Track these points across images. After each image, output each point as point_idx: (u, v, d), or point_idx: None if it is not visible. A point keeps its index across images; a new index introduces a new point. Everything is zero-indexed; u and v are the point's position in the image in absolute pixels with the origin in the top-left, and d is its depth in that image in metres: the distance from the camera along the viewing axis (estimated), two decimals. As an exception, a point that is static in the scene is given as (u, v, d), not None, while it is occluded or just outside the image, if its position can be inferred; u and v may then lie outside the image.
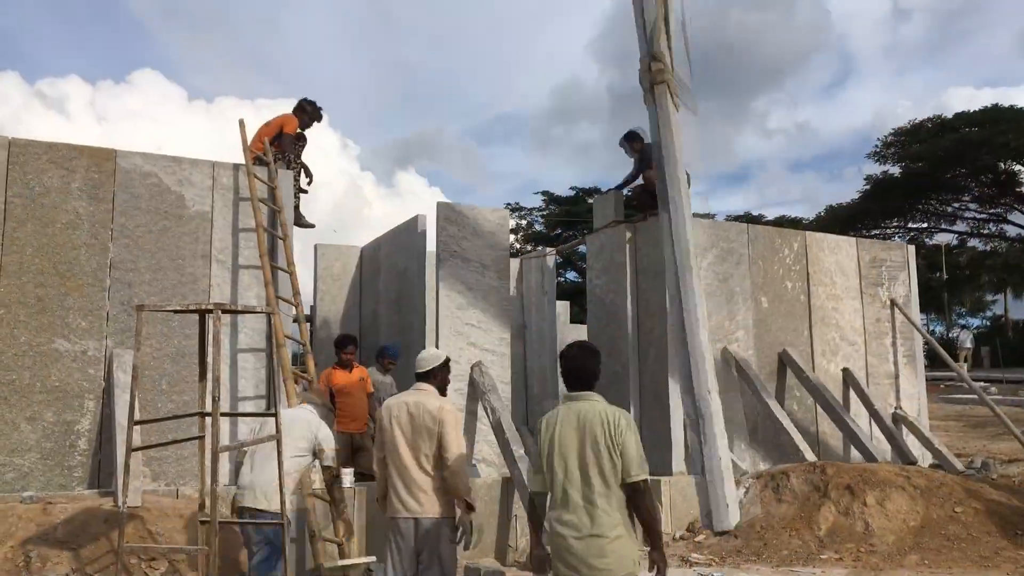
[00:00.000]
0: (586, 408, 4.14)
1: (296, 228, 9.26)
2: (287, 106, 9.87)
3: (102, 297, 7.73)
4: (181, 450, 7.70)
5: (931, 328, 52.35)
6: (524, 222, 54.00)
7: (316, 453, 5.63)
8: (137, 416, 6.62)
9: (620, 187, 11.21)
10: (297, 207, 9.34)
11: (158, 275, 8.01)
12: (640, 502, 4.03)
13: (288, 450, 5.28)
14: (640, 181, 11.07)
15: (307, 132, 9.75)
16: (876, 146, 40.24)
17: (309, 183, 10.01)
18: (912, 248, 12.57)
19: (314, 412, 5.84)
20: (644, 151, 10.82)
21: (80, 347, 7.58)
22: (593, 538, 3.96)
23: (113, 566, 5.76)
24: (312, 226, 9.75)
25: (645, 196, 10.96)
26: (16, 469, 7.21)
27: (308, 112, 9.61)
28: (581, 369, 4.28)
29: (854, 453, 10.53)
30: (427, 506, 4.81)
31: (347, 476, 7.08)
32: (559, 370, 4.45)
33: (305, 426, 5.60)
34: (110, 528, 6.14)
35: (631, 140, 11.08)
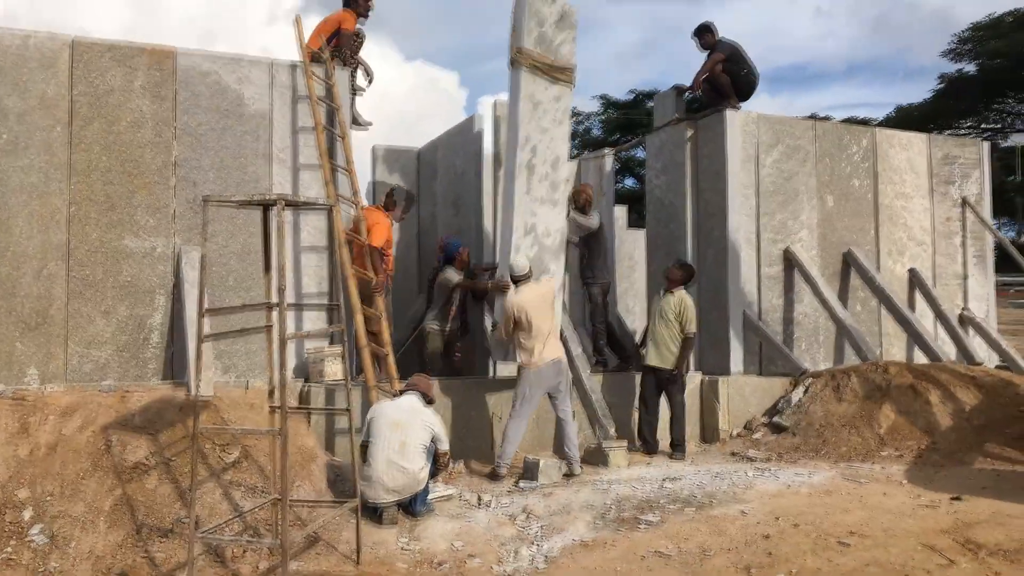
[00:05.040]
0: (674, 296, 8.70)
1: (355, 129, 9.27)
2: None
3: (168, 195, 7.87)
4: (249, 344, 7.93)
5: (1004, 233, 50.74)
6: (581, 127, 53.22)
7: (434, 441, 6.34)
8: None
9: (692, 88, 10.80)
10: (353, 106, 9.28)
11: (221, 174, 8.11)
12: (688, 343, 8.60)
13: (413, 440, 6.16)
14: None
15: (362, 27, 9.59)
16: (951, 43, 38.40)
17: (369, 82, 9.89)
18: (987, 145, 12.05)
19: (420, 400, 6.52)
20: (715, 46, 10.45)
21: (149, 244, 7.76)
22: (664, 348, 8.56)
23: (188, 450, 6.03)
24: (369, 124, 9.71)
25: (710, 93, 10.65)
26: (93, 361, 7.51)
27: (360, 3, 9.40)
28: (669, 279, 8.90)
29: (918, 354, 10.38)
30: None
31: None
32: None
33: (423, 418, 6.36)
34: (184, 416, 6.39)
35: (702, 33, 10.68)
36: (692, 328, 8.60)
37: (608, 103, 50.21)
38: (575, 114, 53.09)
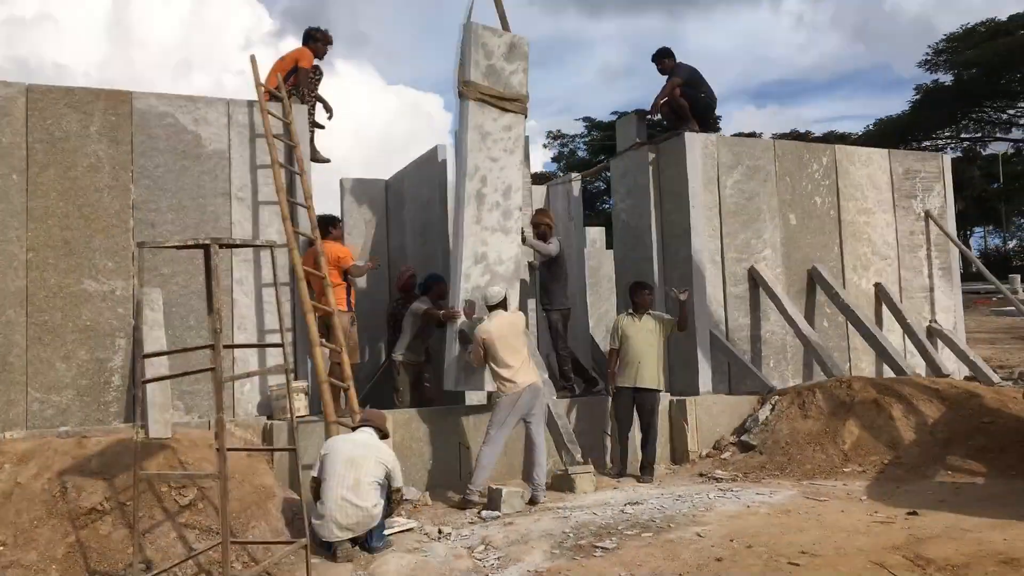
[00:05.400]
0: (649, 316, 8.82)
1: (315, 164, 9.34)
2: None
3: (127, 238, 7.92)
4: (212, 384, 7.93)
5: (990, 240, 51.11)
6: (567, 149, 53.55)
7: (388, 477, 6.29)
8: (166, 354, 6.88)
9: (652, 111, 10.89)
10: (312, 142, 9.35)
11: (180, 215, 8.17)
12: (683, 312, 8.78)
13: (366, 476, 6.11)
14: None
15: (321, 62, 9.68)
16: (927, 54, 38.87)
17: (330, 117, 10.01)
18: (948, 158, 12.19)
19: (374, 435, 6.49)
20: (674, 70, 10.58)
21: (108, 287, 7.80)
22: (655, 368, 8.61)
23: (146, 493, 6.04)
24: (327, 160, 9.78)
25: (670, 116, 10.77)
26: (54, 406, 7.53)
27: (319, 40, 9.52)
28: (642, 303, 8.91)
29: (886, 369, 10.43)
30: None
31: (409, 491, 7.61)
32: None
33: (377, 454, 6.30)
34: (142, 458, 6.37)
35: (661, 57, 10.81)
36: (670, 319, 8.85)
37: (593, 124, 50.62)
38: (560, 136, 53.60)
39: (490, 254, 8.59)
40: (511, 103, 8.67)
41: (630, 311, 8.93)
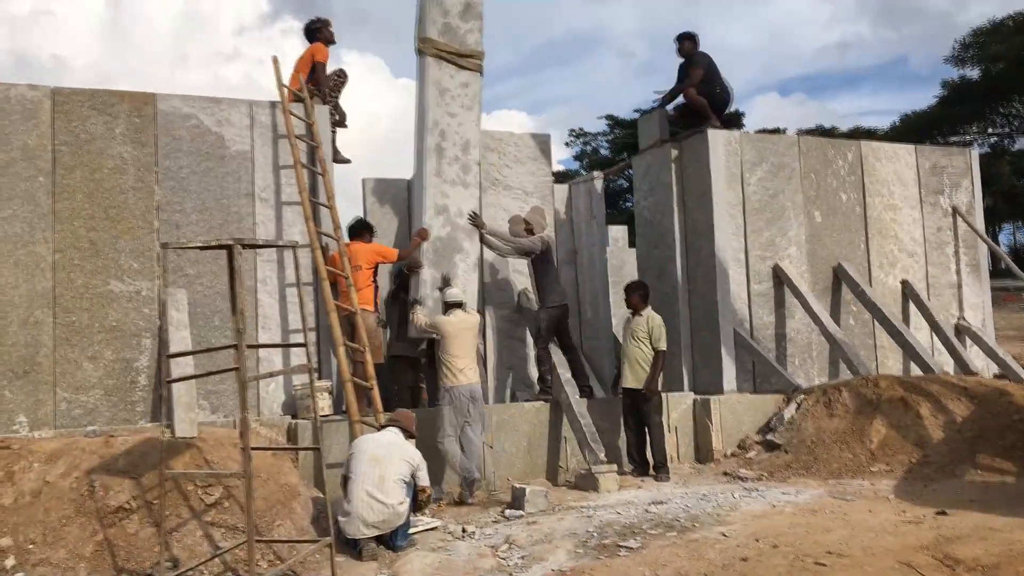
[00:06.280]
0: (642, 316, 8.74)
1: (335, 164, 9.36)
2: None
3: (152, 239, 7.99)
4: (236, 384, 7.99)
5: (1019, 236, 50.42)
6: (589, 148, 53.39)
7: (414, 476, 6.41)
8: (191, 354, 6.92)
9: (663, 104, 10.86)
10: (333, 142, 9.36)
11: (204, 215, 8.22)
12: (658, 359, 8.56)
13: (391, 474, 6.20)
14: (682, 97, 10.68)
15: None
16: (953, 49, 38.38)
17: (342, 126, 9.92)
18: (975, 153, 12.03)
19: (399, 435, 6.59)
20: (693, 58, 10.47)
21: (134, 288, 7.87)
22: (639, 368, 8.54)
23: (172, 492, 6.09)
24: (348, 161, 9.80)
25: (688, 114, 10.70)
26: (82, 406, 7.60)
27: (319, 27, 9.30)
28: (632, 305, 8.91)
29: (913, 367, 10.31)
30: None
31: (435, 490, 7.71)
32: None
33: (402, 453, 6.41)
34: (168, 457, 6.43)
35: (683, 39, 10.64)
36: (662, 345, 8.63)
37: (615, 122, 50.40)
38: (582, 135, 53.45)
39: (451, 206, 9.06)
40: (467, 60, 9.11)
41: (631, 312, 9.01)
